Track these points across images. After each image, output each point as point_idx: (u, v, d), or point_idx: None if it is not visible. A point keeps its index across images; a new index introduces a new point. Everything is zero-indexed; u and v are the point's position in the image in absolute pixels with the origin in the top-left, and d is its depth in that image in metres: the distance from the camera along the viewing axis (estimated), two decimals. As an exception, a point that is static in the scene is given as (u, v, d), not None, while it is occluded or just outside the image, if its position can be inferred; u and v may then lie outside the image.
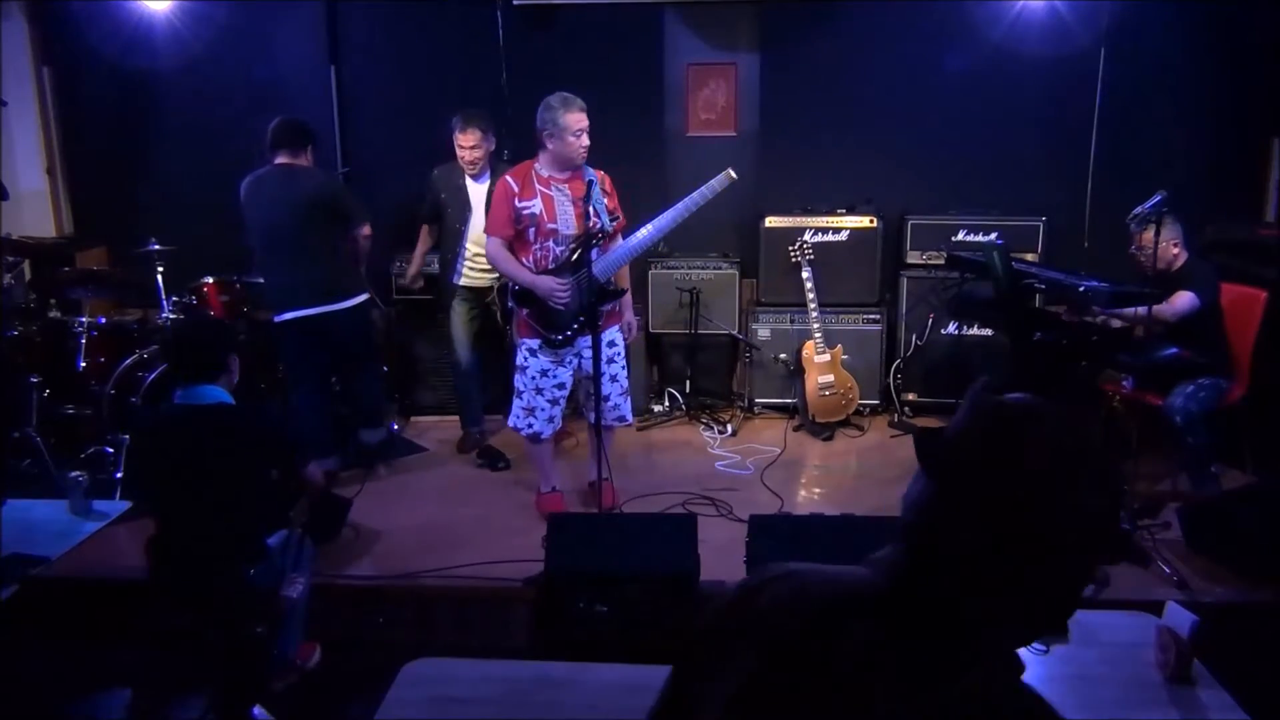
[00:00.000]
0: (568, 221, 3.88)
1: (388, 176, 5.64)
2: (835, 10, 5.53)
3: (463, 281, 4.78)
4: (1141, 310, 3.95)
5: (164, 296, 4.84)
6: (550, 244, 3.88)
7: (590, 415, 4.18)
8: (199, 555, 2.98)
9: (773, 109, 5.68)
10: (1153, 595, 3.18)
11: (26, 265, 5.44)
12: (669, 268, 5.56)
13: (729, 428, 5.40)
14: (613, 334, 4.01)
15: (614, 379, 4.02)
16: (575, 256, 3.86)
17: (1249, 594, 3.50)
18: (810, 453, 5.14)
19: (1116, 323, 4.21)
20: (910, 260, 5.50)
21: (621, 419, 4.13)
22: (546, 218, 3.84)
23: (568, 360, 4.00)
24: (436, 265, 5.00)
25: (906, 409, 5.53)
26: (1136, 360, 4.11)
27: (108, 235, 5.90)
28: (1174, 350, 4.09)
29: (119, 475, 4.37)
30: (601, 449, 3.84)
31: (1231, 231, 5.02)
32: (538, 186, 3.86)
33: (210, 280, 5.02)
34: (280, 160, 4.39)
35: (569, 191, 3.89)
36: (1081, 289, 3.84)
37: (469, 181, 4.70)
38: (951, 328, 5.42)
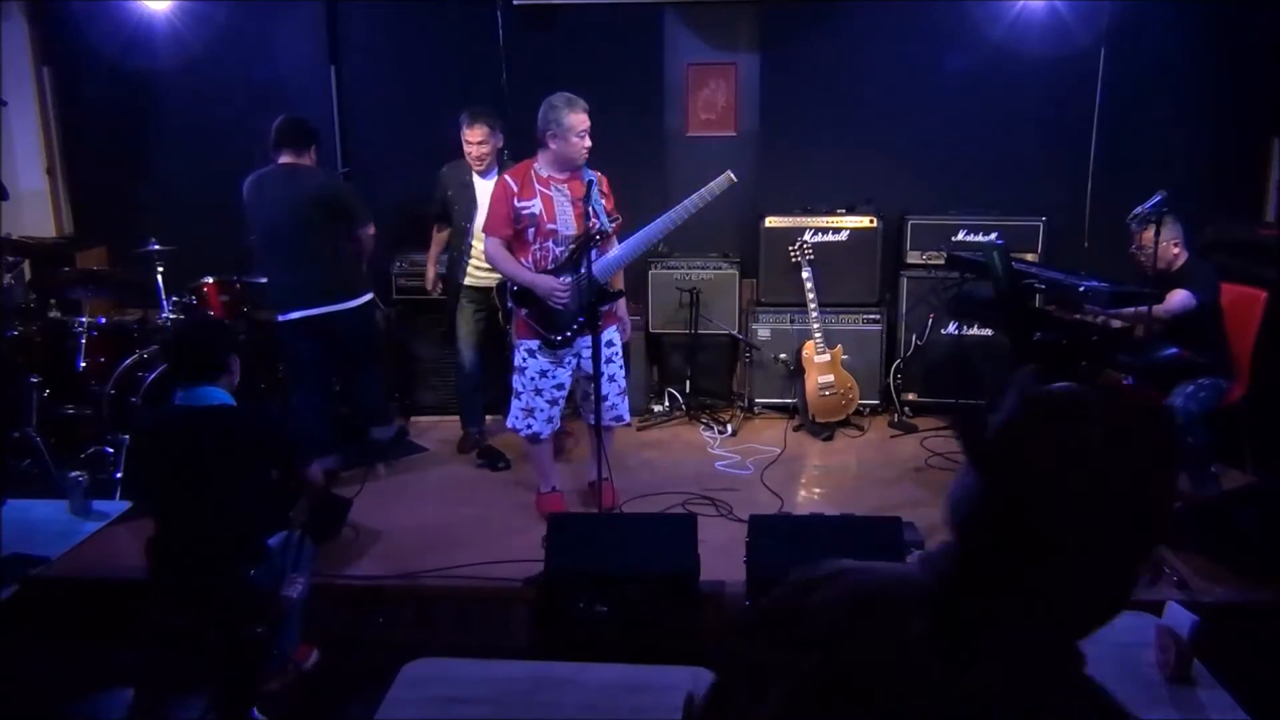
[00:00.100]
0: (567, 222, 3.88)
1: (388, 176, 5.64)
2: (835, 10, 5.53)
3: (468, 281, 4.77)
4: (1136, 308, 3.96)
5: (164, 296, 4.85)
6: (550, 244, 3.88)
7: (587, 416, 4.19)
8: (199, 555, 2.98)
9: (773, 109, 5.68)
10: (1153, 595, 3.18)
11: (26, 265, 5.44)
12: (669, 268, 5.56)
13: (729, 428, 5.40)
14: (610, 334, 4.01)
15: (611, 379, 4.02)
16: (574, 257, 3.85)
17: (1249, 594, 3.50)
18: (810, 453, 5.14)
19: (1117, 323, 4.21)
20: (910, 260, 5.50)
21: (619, 419, 4.13)
22: (546, 218, 3.84)
23: (566, 361, 4.00)
24: (444, 265, 5.00)
25: (906, 409, 5.53)
26: (1136, 360, 4.11)
27: (108, 235, 5.90)
28: (1174, 350, 4.09)
29: (119, 475, 4.37)
30: (601, 449, 3.84)
31: (1231, 231, 5.02)
32: (537, 186, 3.86)
33: (210, 280, 5.02)
34: (284, 159, 4.39)
35: (568, 192, 3.89)
36: (1081, 289, 3.84)
37: (476, 179, 4.68)
38: (951, 328, 5.42)
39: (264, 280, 5.01)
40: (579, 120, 3.78)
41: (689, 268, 5.55)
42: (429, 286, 5.13)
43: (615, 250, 3.95)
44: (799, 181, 5.68)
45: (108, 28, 5.69)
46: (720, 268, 5.56)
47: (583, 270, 3.80)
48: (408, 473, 4.87)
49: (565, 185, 3.90)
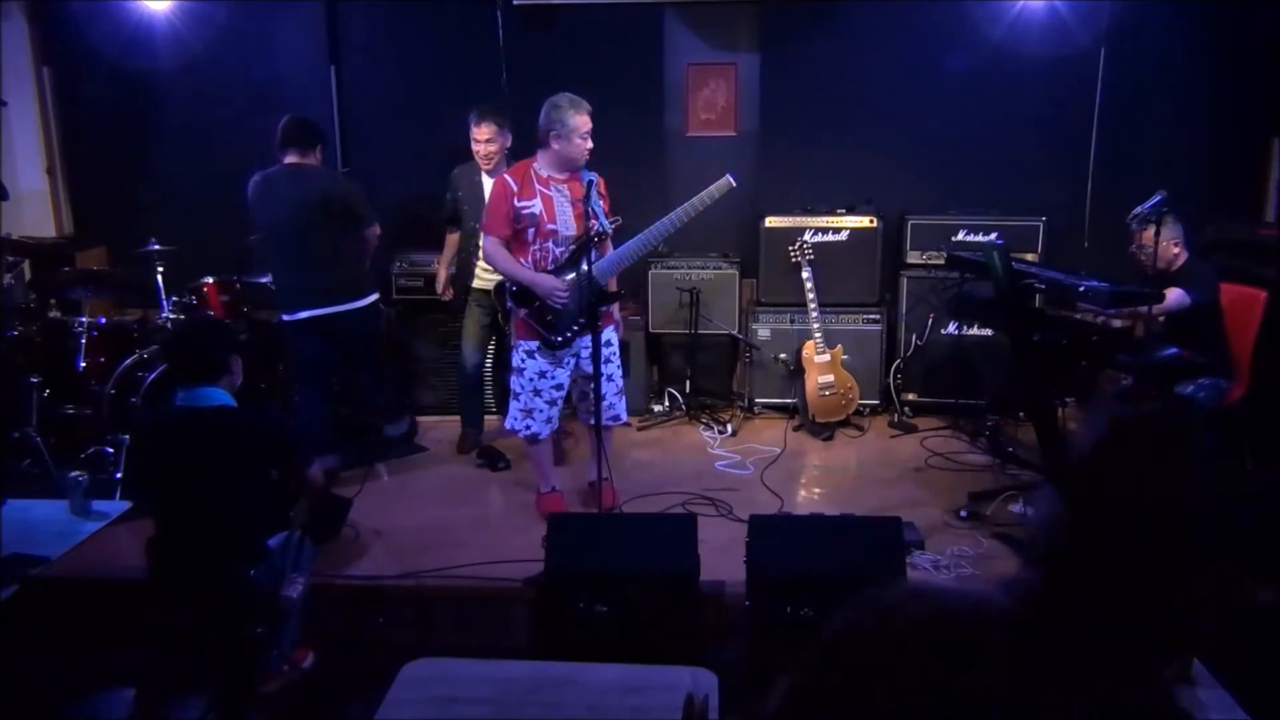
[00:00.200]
0: (567, 222, 3.88)
1: (387, 176, 5.64)
2: (835, 10, 5.53)
3: (475, 284, 4.77)
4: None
5: (164, 296, 4.84)
6: (550, 245, 3.88)
7: (585, 417, 4.21)
8: (199, 556, 2.98)
9: (773, 109, 5.68)
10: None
11: (26, 265, 5.44)
12: (669, 268, 5.56)
13: (729, 428, 5.39)
14: (608, 334, 4.01)
15: (609, 379, 4.02)
16: (574, 258, 3.85)
17: (1249, 594, 3.50)
18: (810, 453, 5.14)
19: (1117, 323, 4.22)
20: (910, 260, 5.50)
21: (616, 418, 4.13)
22: (546, 218, 3.84)
23: (565, 361, 4.00)
24: (453, 267, 5.00)
25: (906, 409, 5.53)
26: (1136, 360, 4.11)
27: (108, 235, 5.90)
28: (1174, 350, 4.09)
29: (119, 475, 4.37)
30: (601, 449, 3.84)
31: (1231, 231, 5.02)
32: (537, 186, 3.86)
33: (210, 280, 5.02)
34: (289, 159, 4.39)
35: (568, 192, 3.89)
36: (1081, 289, 3.84)
37: (485, 179, 4.67)
38: (951, 328, 5.42)
39: (265, 280, 5.03)
40: (583, 122, 3.79)
41: (689, 268, 5.55)
42: (439, 289, 5.11)
43: (613, 252, 3.96)
44: (799, 181, 5.68)
45: (108, 28, 5.69)
46: (720, 268, 5.56)
47: (583, 270, 3.80)
48: (408, 473, 4.87)
49: (565, 186, 3.90)
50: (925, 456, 4.98)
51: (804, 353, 5.30)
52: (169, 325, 4.78)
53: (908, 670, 0.91)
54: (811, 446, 5.21)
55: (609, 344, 4.02)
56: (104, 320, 4.90)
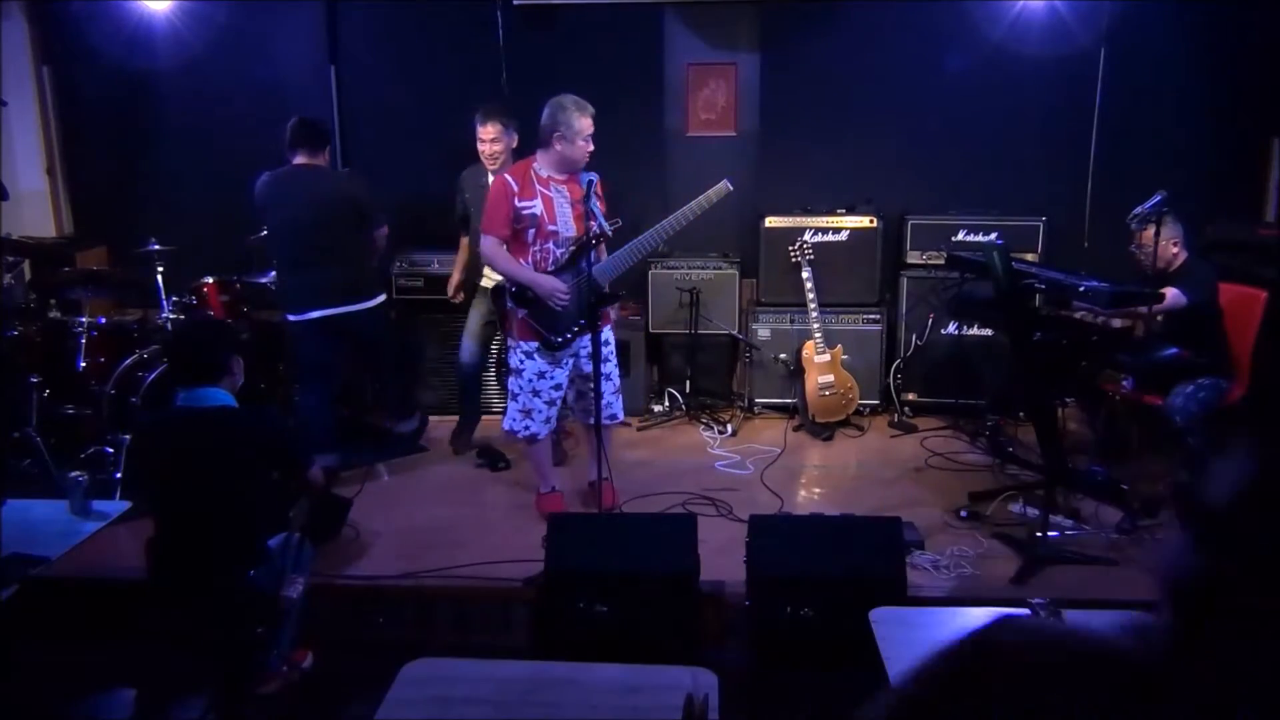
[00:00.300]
0: (567, 223, 3.88)
1: (387, 176, 5.62)
2: (835, 10, 5.52)
3: (483, 281, 4.76)
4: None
5: (164, 296, 4.84)
6: (550, 245, 3.88)
7: (583, 416, 4.23)
8: (199, 556, 2.98)
9: (773, 109, 5.68)
10: (1153, 595, 3.17)
11: (26, 265, 5.44)
12: (669, 268, 5.56)
13: (729, 428, 5.39)
14: (605, 333, 4.02)
15: (607, 378, 4.02)
16: (575, 259, 3.85)
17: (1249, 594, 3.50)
18: (810, 453, 5.14)
19: (1117, 323, 4.22)
20: (910, 260, 5.50)
21: (614, 417, 4.13)
22: (547, 219, 3.84)
23: (564, 362, 4.00)
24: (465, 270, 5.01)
25: (906, 409, 5.53)
26: (1136, 360, 4.11)
27: (108, 235, 5.90)
28: (1174, 350, 4.09)
29: (119, 475, 4.37)
30: (601, 449, 3.84)
31: (1231, 231, 5.02)
32: (538, 187, 3.86)
33: (210, 280, 5.02)
34: (299, 160, 4.42)
35: (568, 193, 3.89)
36: (1081, 289, 3.84)
37: (491, 180, 4.67)
38: (951, 328, 5.42)
39: (266, 280, 5.04)
40: (587, 124, 3.80)
41: (689, 268, 5.55)
42: (450, 293, 5.11)
43: (611, 256, 3.97)
44: (799, 181, 5.68)
45: (108, 28, 5.69)
46: (720, 268, 5.56)
47: (583, 270, 3.80)
48: (408, 473, 4.87)
49: (565, 187, 3.90)
50: (925, 456, 4.98)
51: (804, 353, 5.30)
52: (169, 325, 4.78)
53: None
54: (811, 446, 5.21)
55: (607, 343, 4.02)
56: (104, 320, 4.89)
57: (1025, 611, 2.21)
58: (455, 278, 5.07)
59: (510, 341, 4.05)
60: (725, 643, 3.45)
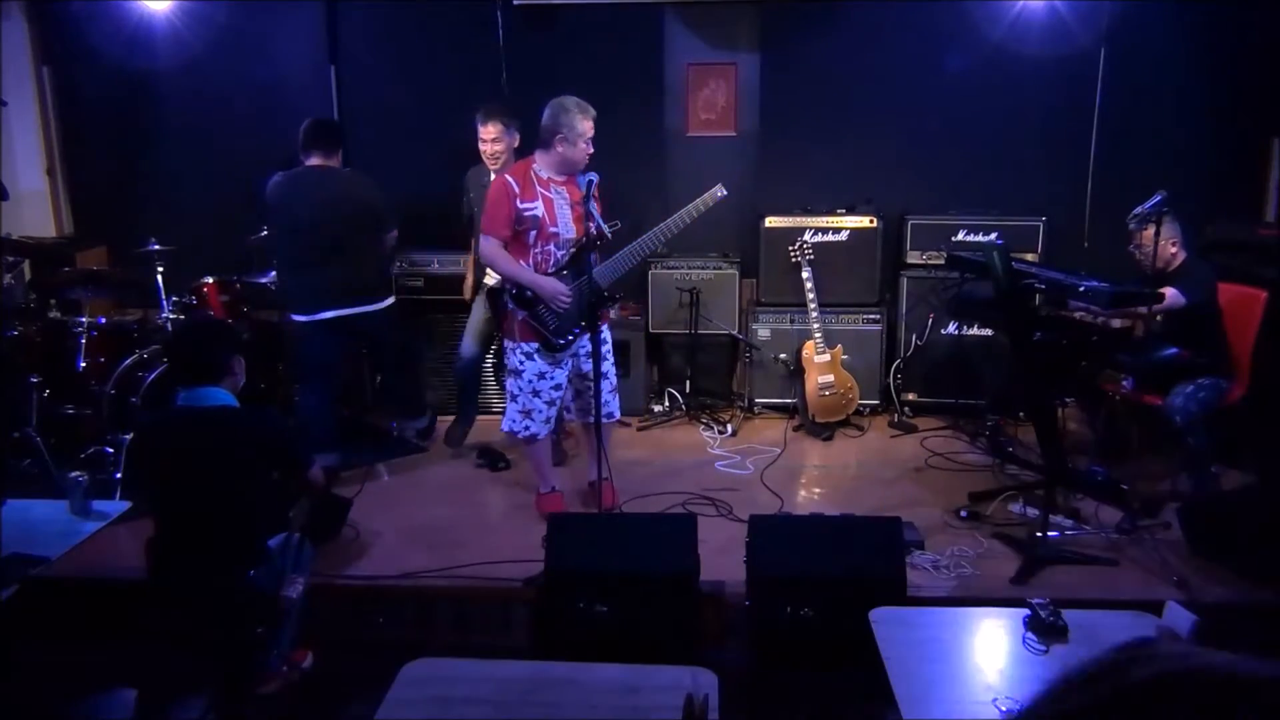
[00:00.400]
0: (567, 225, 3.88)
1: (388, 176, 5.58)
2: (835, 10, 5.52)
3: (488, 279, 4.76)
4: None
5: (164, 296, 4.84)
6: (551, 247, 3.87)
7: (576, 415, 4.25)
8: (199, 556, 2.98)
9: (773, 109, 5.68)
10: (1153, 595, 3.18)
11: (26, 265, 5.44)
12: (669, 268, 5.56)
13: (729, 428, 5.39)
14: (603, 332, 4.03)
15: (604, 376, 4.03)
16: (576, 260, 3.85)
17: (1249, 594, 3.50)
18: (810, 453, 5.14)
19: (1116, 322, 4.22)
20: (910, 260, 5.50)
21: (610, 416, 4.12)
22: (549, 221, 3.83)
23: (564, 362, 4.00)
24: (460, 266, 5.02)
25: (906, 409, 5.53)
26: (1136, 360, 4.11)
27: (108, 235, 5.90)
28: (1174, 350, 4.09)
29: (119, 475, 4.36)
30: (601, 449, 3.84)
31: (1231, 231, 5.02)
32: (538, 188, 3.85)
33: (210, 280, 5.02)
34: (314, 161, 4.44)
35: (567, 195, 3.89)
36: (1081, 289, 3.84)
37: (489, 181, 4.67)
38: (951, 328, 5.42)
39: (266, 280, 5.04)
40: (589, 127, 3.81)
41: (689, 268, 5.55)
42: (466, 295, 5.10)
43: (607, 261, 3.98)
44: (799, 181, 5.68)
45: (108, 28, 5.69)
46: (720, 268, 5.56)
47: (584, 272, 3.80)
48: (408, 473, 4.87)
49: (564, 188, 3.90)
50: (925, 456, 4.98)
51: (804, 353, 5.30)
52: (169, 325, 4.78)
53: None
54: (811, 446, 5.21)
55: (604, 342, 4.03)
56: (104, 320, 4.90)
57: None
58: (469, 278, 5.08)
59: (509, 343, 4.03)
60: (725, 643, 3.45)
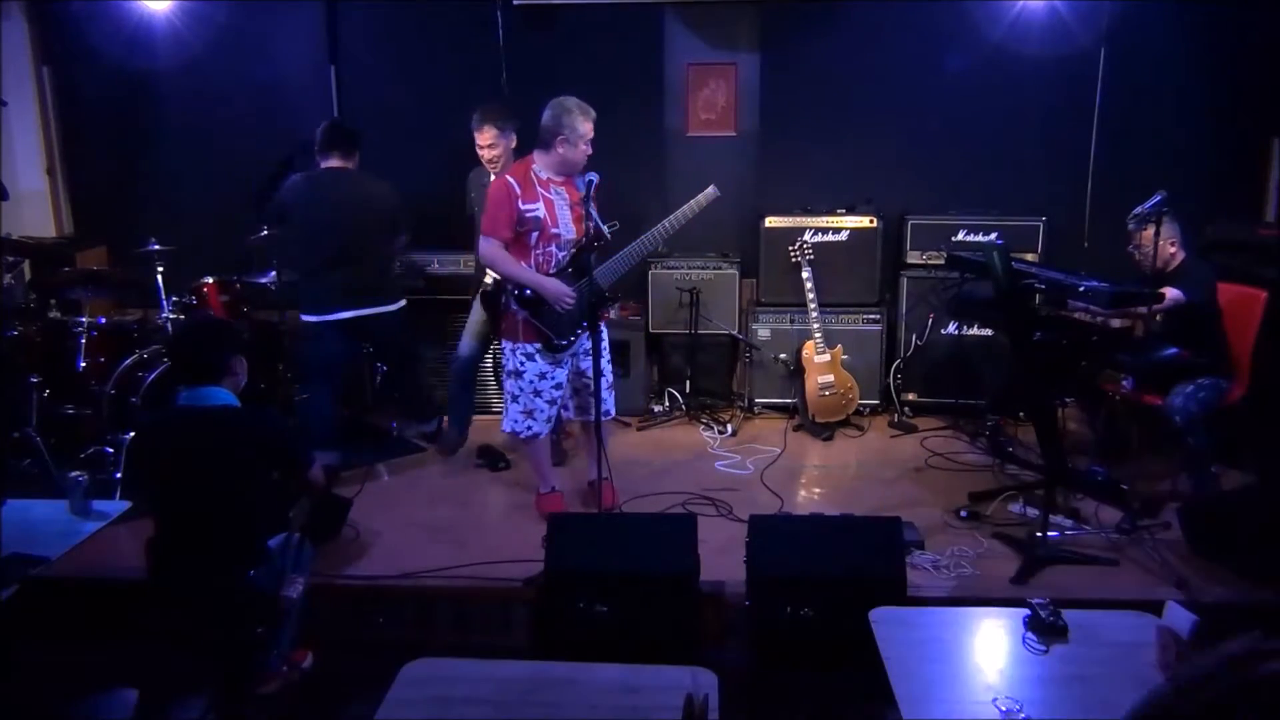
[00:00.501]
0: (568, 226, 3.88)
1: (387, 177, 5.60)
2: (835, 10, 5.53)
3: (488, 278, 4.75)
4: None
5: (164, 296, 4.84)
6: (553, 248, 3.87)
7: (573, 413, 4.25)
8: (200, 556, 2.98)
9: (773, 109, 5.68)
10: (1153, 595, 3.18)
11: (26, 265, 5.44)
12: (669, 268, 5.56)
13: (729, 428, 5.39)
14: (601, 331, 4.03)
15: (601, 375, 4.04)
16: (577, 261, 3.85)
17: (1249, 594, 3.50)
18: (810, 453, 5.14)
19: (1116, 322, 4.22)
20: (910, 260, 5.51)
21: (607, 413, 4.13)
22: (550, 222, 3.83)
23: (564, 362, 4.00)
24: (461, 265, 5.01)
25: (906, 409, 5.53)
26: (1136, 360, 4.11)
27: (108, 235, 5.90)
28: (1174, 350, 4.09)
29: (119, 475, 4.37)
30: (601, 449, 3.84)
31: (1231, 231, 5.02)
32: (539, 189, 3.85)
33: (210, 280, 5.02)
34: (333, 163, 4.48)
35: (566, 195, 3.89)
36: (1081, 289, 3.84)
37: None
38: (951, 328, 5.42)
39: (267, 280, 5.04)
40: (590, 128, 3.82)
41: (689, 268, 5.55)
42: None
43: (605, 263, 3.98)
44: (799, 181, 5.68)
45: (108, 28, 5.70)
46: (720, 268, 5.56)
47: (586, 272, 3.80)
48: (408, 473, 4.86)
49: (563, 188, 3.90)
50: (925, 456, 4.98)
51: (804, 353, 5.30)
52: (169, 325, 4.78)
53: None
54: (811, 446, 5.21)
55: (602, 340, 4.03)
56: (104, 320, 4.89)
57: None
58: (487, 279, 5.06)
59: (509, 344, 4.01)
60: (725, 643, 3.45)
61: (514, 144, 4.62)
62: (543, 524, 3.45)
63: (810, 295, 5.26)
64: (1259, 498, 3.99)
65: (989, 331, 5.28)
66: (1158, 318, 4.09)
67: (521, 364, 3.97)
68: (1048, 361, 3.97)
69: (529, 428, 4.03)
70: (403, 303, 4.67)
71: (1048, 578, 3.62)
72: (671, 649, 2.98)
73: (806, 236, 5.39)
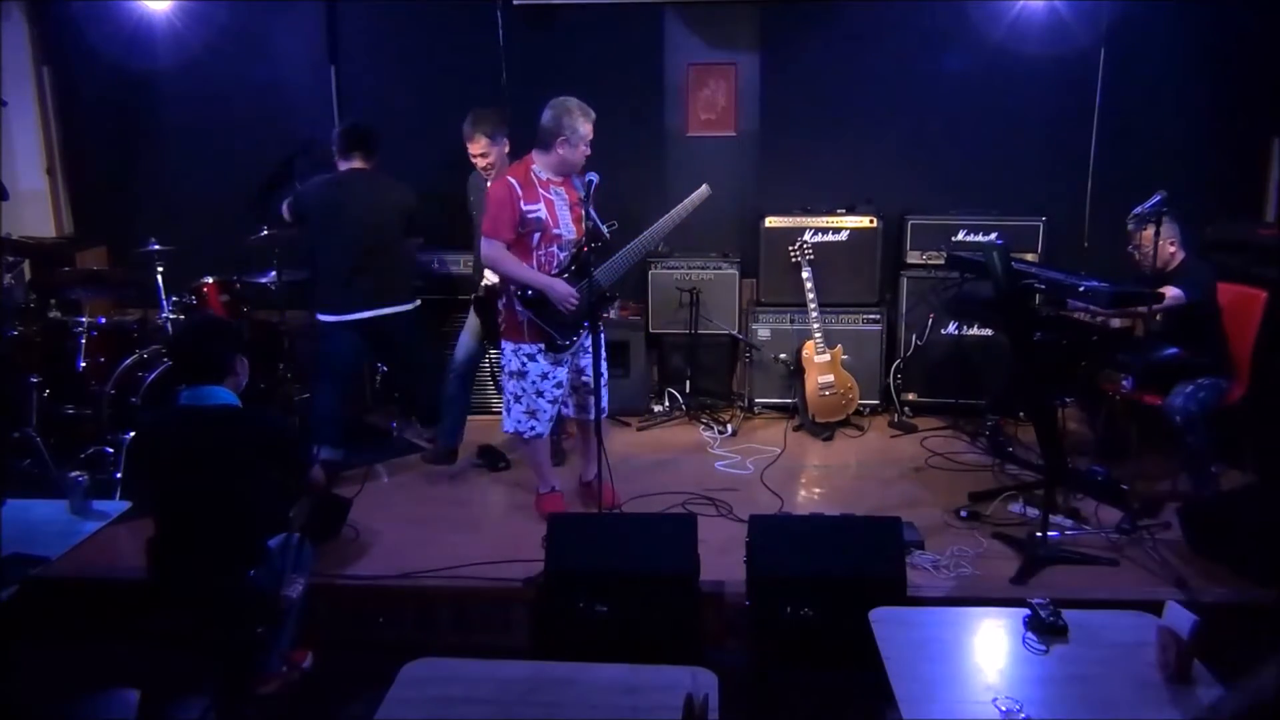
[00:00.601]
0: (568, 226, 3.89)
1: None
2: (835, 10, 5.53)
3: (485, 282, 4.74)
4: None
5: (164, 296, 4.84)
6: (554, 249, 3.87)
7: (570, 411, 4.25)
8: (200, 556, 2.98)
9: (773, 109, 5.68)
10: (1153, 595, 3.18)
11: (26, 265, 5.44)
12: (669, 268, 5.56)
13: (729, 428, 5.39)
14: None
15: (601, 374, 4.05)
16: (578, 261, 3.85)
17: (1249, 594, 3.50)
18: (810, 453, 5.14)
19: (1116, 322, 4.22)
20: (910, 260, 5.51)
21: (602, 410, 4.13)
22: (551, 222, 3.83)
23: (565, 361, 4.01)
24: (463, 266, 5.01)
25: (906, 409, 5.54)
26: (1136, 360, 4.11)
27: (108, 235, 5.91)
28: (1173, 350, 4.10)
29: (119, 475, 4.37)
30: (601, 448, 3.84)
31: (1231, 231, 5.02)
32: (539, 190, 3.85)
33: (210, 280, 5.02)
34: (355, 164, 4.51)
35: (565, 195, 3.90)
36: (1081, 289, 3.84)
37: (489, 186, 4.64)
38: (951, 328, 5.42)
39: (267, 280, 5.04)
40: (590, 129, 3.84)
41: (689, 268, 5.56)
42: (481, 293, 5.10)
43: (604, 264, 3.98)
44: (799, 181, 5.68)
45: (108, 28, 5.70)
46: (720, 268, 5.56)
47: (588, 273, 3.80)
48: (408, 473, 4.86)
49: (562, 188, 3.91)
50: (925, 456, 4.98)
51: (804, 353, 5.30)
52: (169, 325, 4.78)
53: None
54: (811, 446, 5.21)
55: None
56: (104, 320, 4.90)
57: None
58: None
59: (510, 345, 4.00)
60: (725, 643, 3.45)
61: (507, 149, 4.59)
62: (543, 524, 3.45)
63: (810, 295, 5.26)
64: (1259, 498, 4.00)
65: (989, 331, 5.28)
66: (1158, 317, 4.09)
67: (524, 364, 3.97)
68: (1048, 361, 3.97)
69: (532, 428, 4.03)
70: (418, 302, 4.70)
71: (1048, 578, 3.62)
72: (671, 649, 2.98)
73: (806, 236, 5.39)
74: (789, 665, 3.23)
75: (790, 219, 5.47)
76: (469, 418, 4.98)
